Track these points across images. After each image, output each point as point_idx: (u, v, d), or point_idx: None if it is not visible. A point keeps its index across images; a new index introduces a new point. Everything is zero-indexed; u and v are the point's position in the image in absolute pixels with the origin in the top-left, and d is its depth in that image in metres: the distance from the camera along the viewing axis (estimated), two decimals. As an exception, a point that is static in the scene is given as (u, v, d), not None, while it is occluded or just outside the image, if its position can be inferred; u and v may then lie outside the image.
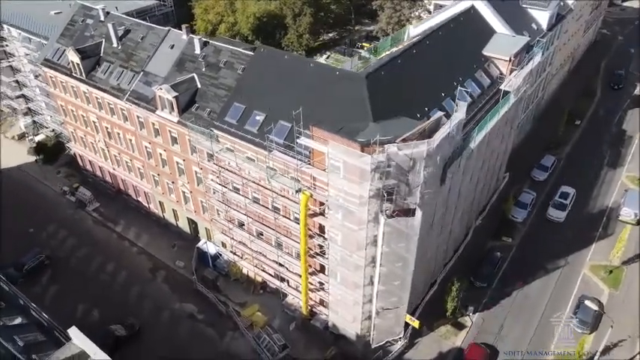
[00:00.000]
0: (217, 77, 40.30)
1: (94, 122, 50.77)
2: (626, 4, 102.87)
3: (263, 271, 43.22)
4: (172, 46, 44.09)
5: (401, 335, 39.16)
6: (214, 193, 41.46)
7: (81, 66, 47.06)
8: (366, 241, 31.99)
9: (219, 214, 43.12)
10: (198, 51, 42.10)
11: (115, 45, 47.17)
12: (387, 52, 45.22)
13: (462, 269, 44.59)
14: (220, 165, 38.63)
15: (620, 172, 57.87)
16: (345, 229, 32.90)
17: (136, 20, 49.40)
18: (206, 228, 47.66)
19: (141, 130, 45.60)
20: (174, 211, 50.29)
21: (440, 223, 37.64)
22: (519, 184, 55.27)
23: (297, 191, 33.46)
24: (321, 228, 35.26)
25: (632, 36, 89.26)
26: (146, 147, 46.58)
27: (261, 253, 41.95)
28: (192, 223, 49.51)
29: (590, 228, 50.39)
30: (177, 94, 39.69)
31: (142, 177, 50.69)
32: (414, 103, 35.07)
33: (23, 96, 64.75)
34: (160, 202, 51.06)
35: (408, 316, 37.41)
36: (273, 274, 42.48)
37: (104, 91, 46.28)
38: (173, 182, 46.85)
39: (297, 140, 31.54)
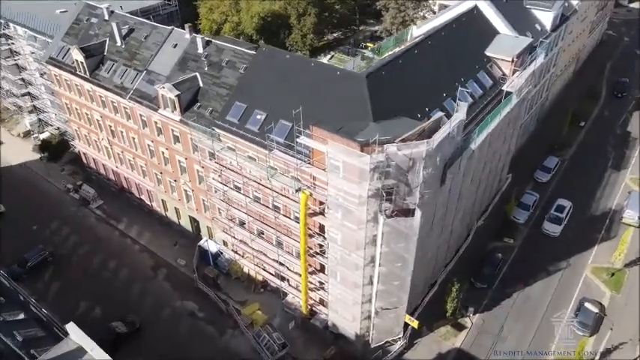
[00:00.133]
0: (219, 76, 40.48)
1: (97, 120, 51.12)
2: (632, 5, 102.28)
3: (263, 269, 43.35)
4: (175, 45, 44.35)
5: (400, 335, 39.17)
6: (216, 191, 41.64)
7: (85, 64, 47.41)
8: (365, 240, 32.04)
9: (220, 212, 43.31)
10: (200, 50, 42.32)
11: (118, 44, 47.50)
12: (390, 52, 45.30)
13: (462, 270, 44.51)
14: (221, 164, 38.81)
15: (624, 174, 57.57)
16: (344, 229, 32.97)
17: (140, 19, 49.74)
18: (208, 226, 47.87)
19: (144, 128, 45.87)
20: (176, 209, 50.54)
21: (440, 224, 37.58)
22: (522, 185, 55.07)
23: (296, 190, 33.56)
24: (321, 227, 35.34)
25: (638, 37, 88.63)
26: (149, 145, 46.85)
27: (261, 252, 42.08)
28: (194, 222, 49.73)
29: (592, 230, 50.17)
30: (179, 92, 39.93)
31: (144, 175, 50.98)
32: (414, 103, 35.06)
33: (29, 94, 65.33)
34: (162, 200, 51.34)
35: (408, 316, 37.42)
36: (273, 273, 42.60)
37: (108, 89, 46.60)
38: (175, 180, 47.09)
39: (297, 139, 31.65)
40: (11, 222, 52.65)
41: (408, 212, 31.28)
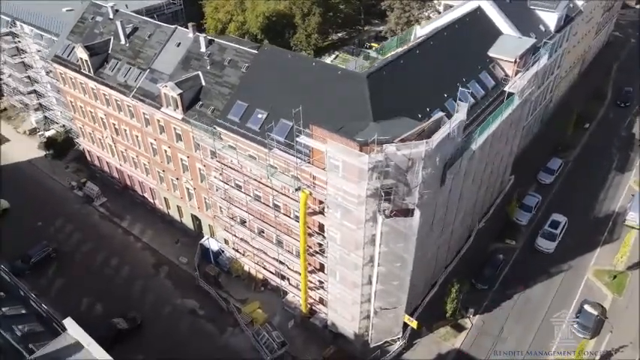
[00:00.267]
0: (222, 75, 40.67)
1: (101, 118, 51.49)
2: (639, 6, 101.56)
3: (264, 268, 43.49)
4: (179, 44, 44.60)
5: (399, 335, 39.17)
6: (217, 190, 41.84)
7: (89, 63, 47.77)
8: (364, 240, 32.07)
9: (221, 210, 43.51)
10: (203, 49, 42.52)
11: (123, 42, 47.81)
12: (393, 52, 45.27)
13: (463, 271, 44.47)
14: (223, 162, 38.98)
15: (628, 177, 57.26)
16: (343, 228, 33.02)
17: (144, 18, 50.02)
18: (209, 225, 48.07)
19: (147, 126, 46.16)
20: (178, 207, 50.81)
21: (440, 224, 37.57)
22: (525, 186, 54.88)
23: (296, 189, 33.65)
24: (321, 226, 35.44)
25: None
26: (151, 143, 47.13)
27: (262, 250, 42.22)
28: (196, 220, 49.96)
29: (595, 232, 49.90)
30: (181, 91, 40.15)
31: (147, 173, 51.29)
32: (415, 103, 35.07)
33: (35, 92, 65.90)
34: (164, 198, 51.63)
35: (407, 316, 37.42)
36: (273, 272, 42.73)
37: (111, 87, 46.92)
38: (177, 179, 47.35)
39: (297, 139, 31.75)
40: (16, 218, 53.21)
41: (407, 212, 31.28)
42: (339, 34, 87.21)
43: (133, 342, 40.84)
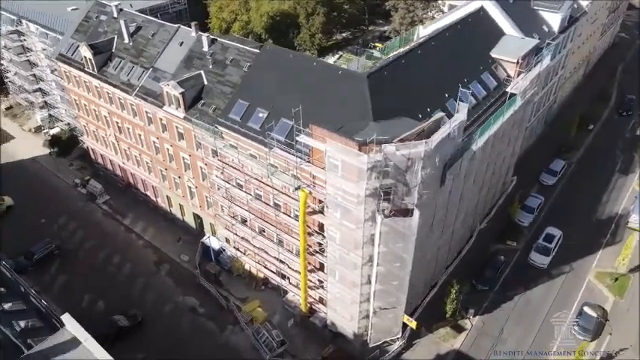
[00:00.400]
0: (223, 74, 40.83)
1: (105, 117, 51.81)
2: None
3: (264, 267, 43.63)
4: (181, 43, 44.80)
5: (399, 335, 39.16)
6: (218, 188, 41.99)
7: (93, 61, 48.09)
8: (363, 240, 32.11)
9: (222, 209, 43.68)
10: (206, 48, 42.71)
11: (126, 41, 48.10)
12: (395, 52, 45.24)
13: (464, 272, 44.37)
14: (224, 161, 39.14)
15: (632, 179, 56.87)
16: (343, 228, 33.07)
17: (148, 17, 50.30)
18: (211, 223, 48.26)
19: (149, 125, 46.42)
20: (180, 205, 51.04)
21: (440, 225, 37.52)
22: (527, 188, 54.67)
23: (296, 188, 33.74)
24: (320, 226, 35.51)
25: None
26: (154, 142, 47.38)
27: (262, 249, 42.35)
28: (198, 218, 50.16)
29: (598, 234, 49.64)
30: (183, 90, 40.35)
31: (150, 171, 51.56)
32: (416, 103, 35.03)
33: (40, 90, 66.38)
34: (167, 196, 51.87)
35: (406, 316, 37.41)
36: (274, 271, 42.84)
37: (115, 86, 47.21)
38: (179, 177, 47.56)
39: (297, 138, 31.83)
40: (20, 215, 53.69)
41: (407, 212, 31.28)
42: (344, 34, 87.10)
43: (133, 339, 41.09)
